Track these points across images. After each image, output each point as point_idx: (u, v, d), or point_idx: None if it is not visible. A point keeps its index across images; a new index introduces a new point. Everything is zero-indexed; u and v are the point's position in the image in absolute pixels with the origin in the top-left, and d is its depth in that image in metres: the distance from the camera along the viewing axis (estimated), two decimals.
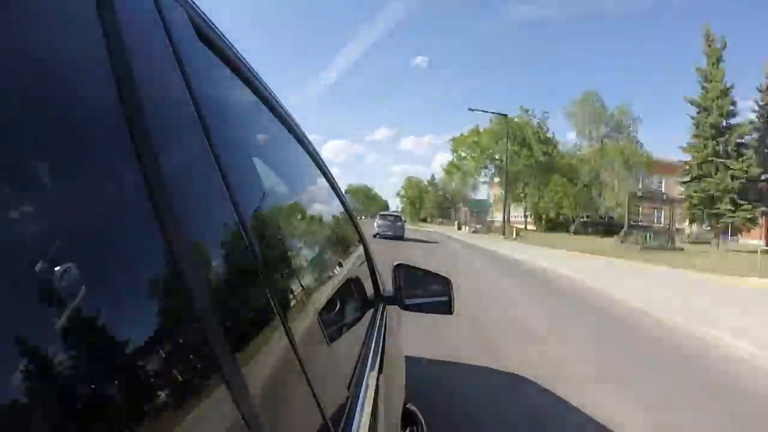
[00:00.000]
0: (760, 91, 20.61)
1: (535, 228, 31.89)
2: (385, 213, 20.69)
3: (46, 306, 0.21)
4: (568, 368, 3.29)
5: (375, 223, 18.53)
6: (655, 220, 29.83)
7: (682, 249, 17.60)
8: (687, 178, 21.57)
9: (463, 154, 34.89)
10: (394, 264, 1.31)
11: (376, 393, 0.79)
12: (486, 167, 34.00)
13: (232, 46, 0.57)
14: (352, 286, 1.08)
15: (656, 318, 5.13)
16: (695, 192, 20.64)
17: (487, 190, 37.27)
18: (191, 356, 0.29)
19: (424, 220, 54.41)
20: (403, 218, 19.70)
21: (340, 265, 1.08)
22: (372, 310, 1.17)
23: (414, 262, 1.42)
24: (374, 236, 16.81)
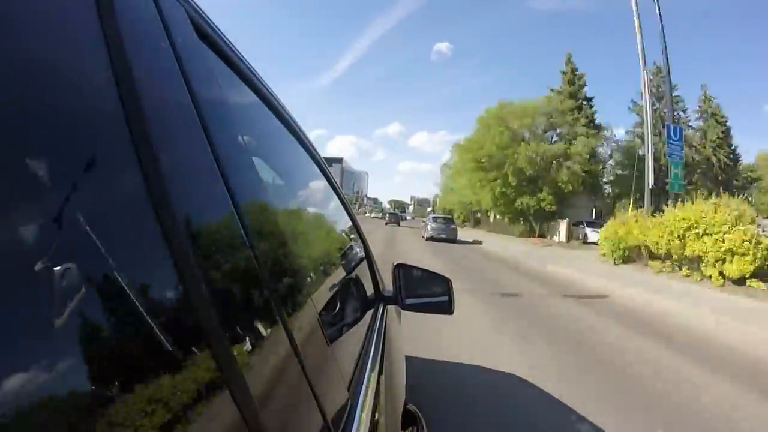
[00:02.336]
0: None
1: None
2: (438, 216, 21.71)
3: (46, 306, 0.20)
4: None
5: (428, 226, 19.40)
6: None
7: None
8: None
9: None
10: (394, 264, 1.31)
11: (376, 393, 0.79)
12: None
13: (233, 45, 0.57)
14: (352, 285, 1.07)
15: None
16: None
17: None
18: (191, 357, 0.29)
19: None
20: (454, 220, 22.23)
21: (341, 264, 1.08)
22: (372, 310, 1.17)
23: None
24: (427, 239, 18.03)
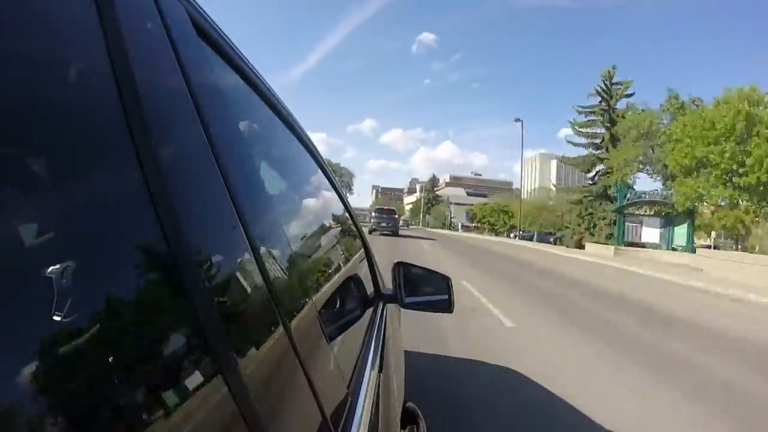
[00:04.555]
0: None
1: None
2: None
3: (46, 306, 0.20)
4: None
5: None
6: None
7: None
8: None
9: None
10: (394, 263, 1.31)
11: (376, 392, 0.79)
12: None
13: (232, 43, 0.56)
14: (351, 284, 1.08)
15: None
16: None
17: None
18: (191, 356, 0.29)
19: None
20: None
21: (340, 263, 1.08)
22: (372, 309, 1.17)
23: None
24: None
